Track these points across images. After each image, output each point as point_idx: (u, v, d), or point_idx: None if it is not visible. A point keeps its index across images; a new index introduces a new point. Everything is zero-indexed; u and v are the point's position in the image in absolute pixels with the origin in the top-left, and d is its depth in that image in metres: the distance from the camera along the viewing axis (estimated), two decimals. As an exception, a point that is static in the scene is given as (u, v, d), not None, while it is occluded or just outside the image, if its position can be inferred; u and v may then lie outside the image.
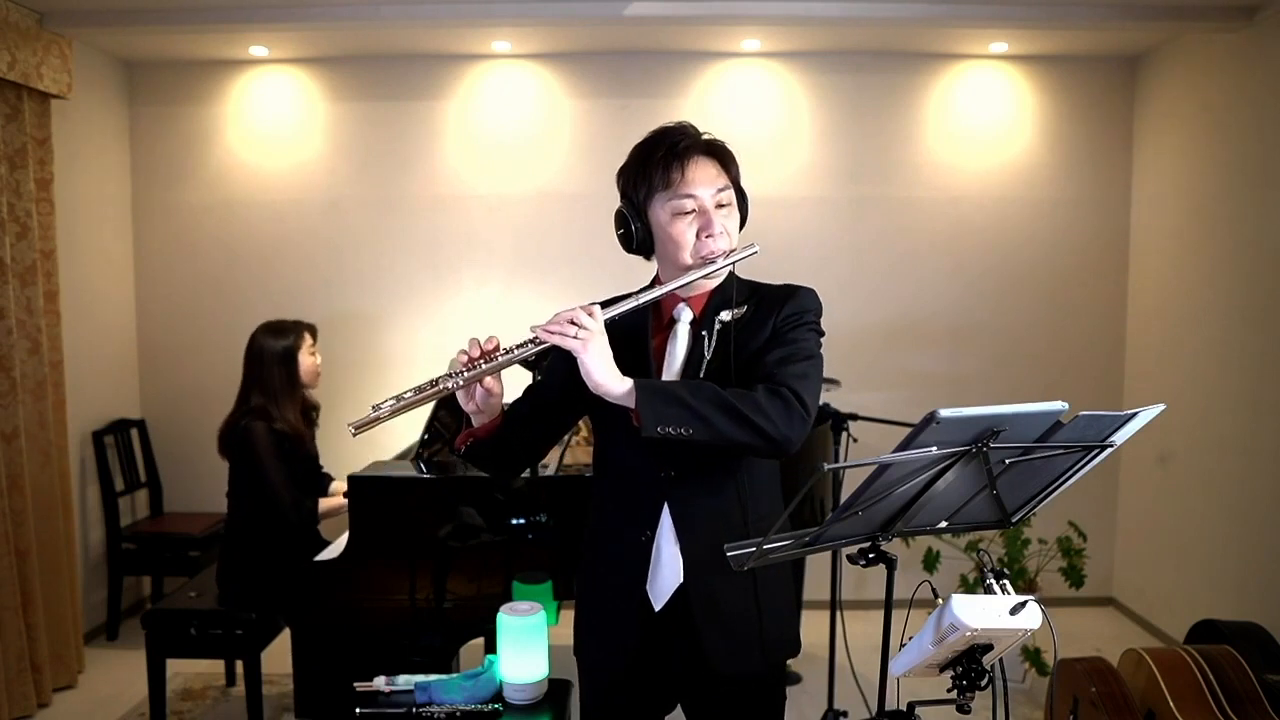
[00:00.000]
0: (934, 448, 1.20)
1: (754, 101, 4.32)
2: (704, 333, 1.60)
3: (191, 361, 4.39)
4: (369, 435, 4.58)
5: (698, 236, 1.58)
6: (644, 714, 1.69)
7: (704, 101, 4.31)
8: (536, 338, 1.50)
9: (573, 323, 1.46)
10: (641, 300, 1.58)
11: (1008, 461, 1.28)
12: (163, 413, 4.40)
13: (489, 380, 1.57)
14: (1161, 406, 1.32)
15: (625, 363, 1.50)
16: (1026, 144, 4.35)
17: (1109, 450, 1.32)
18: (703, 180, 1.57)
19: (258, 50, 4.17)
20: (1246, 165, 3.55)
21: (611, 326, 1.54)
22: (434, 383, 1.52)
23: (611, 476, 1.68)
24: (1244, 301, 3.55)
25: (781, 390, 1.48)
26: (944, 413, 1.16)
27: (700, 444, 1.44)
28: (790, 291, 1.63)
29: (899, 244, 4.36)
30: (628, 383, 1.44)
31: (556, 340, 1.46)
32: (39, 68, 3.42)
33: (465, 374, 1.51)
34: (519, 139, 4.34)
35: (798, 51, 4.29)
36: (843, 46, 4.24)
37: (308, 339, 3.09)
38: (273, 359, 2.99)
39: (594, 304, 1.54)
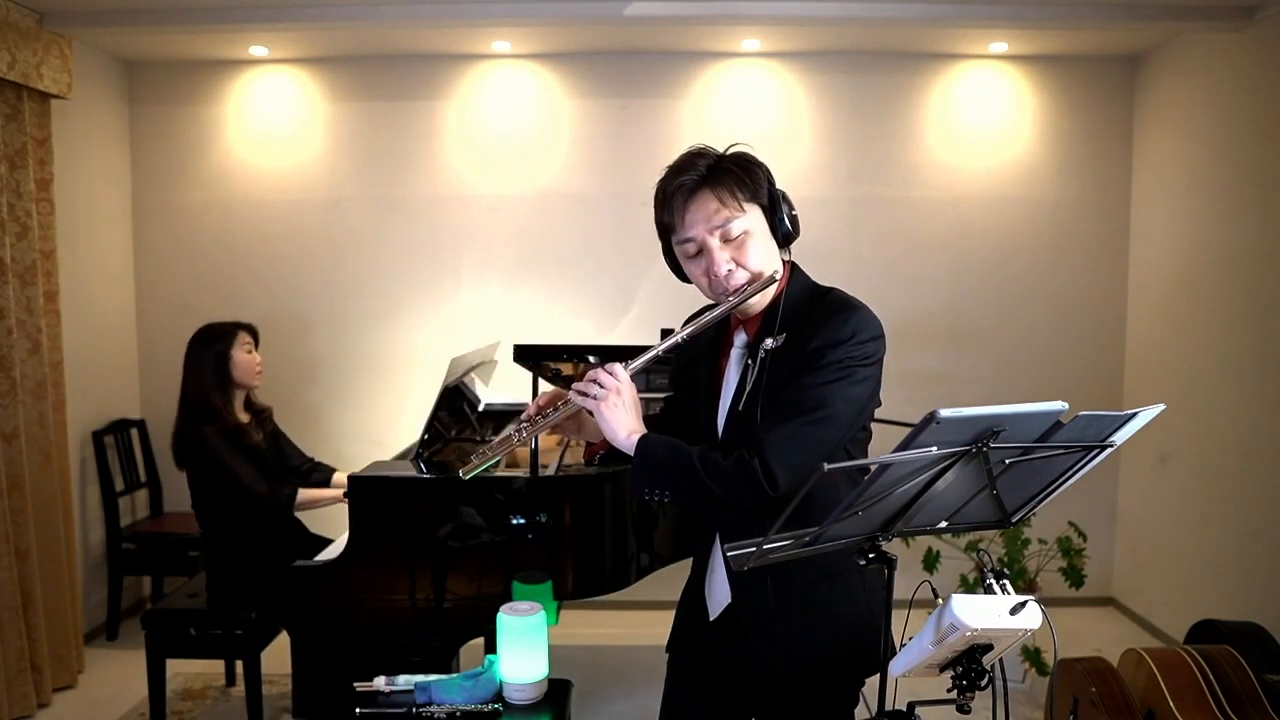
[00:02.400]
0: (934, 448, 1.20)
1: (754, 101, 4.32)
2: (749, 361, 1.60)
3: (191, 361, 4.39)
4: (372, 435, 4.56)
5: (707, 275, 1.57)
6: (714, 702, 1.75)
7: (704, 101, 4.31)
8: (569, 396, 1.62)
9: (594, 380, 1.55)
10: (660, 349, 1.59)
11: (1008, 461, 1.28)
12: (163, 413, 4.37)
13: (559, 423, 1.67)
14: (1161, 406, 1.32)
15: (699, 383, 1.67)
16: (1026, 144, 4.35)
17: (1109, 450, 1.32)
18: (697, 219, 1.54)
19: (258, 50, 4.18)
20: (1246, 165, 3.55)
21: (691, 344, 1.64)
22: (508, 437, 1.64)
23: None
24: (1244, 301, 3.55)
25: (752, 463, 1.45)
26: (944, 413, 1.16)
27: (679, 504, 1.57)
28: (825, 317, 1.53)
29: (899, 244, 4.36)
30: (633, 442, 1.53)
31: (578, 400, 1.56)
32: (39, 68, 3.42)
33: (526, 429, 1.64)
34: (519, 139, 4.34)
35: (798, 51, 4.29)
36: (843, 46, 4.24)
37: (243, 337, 3.09)
38: (204, 361, 3.02)
39: (617, 364, 1.59)
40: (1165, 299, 4.10)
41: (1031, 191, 4.36)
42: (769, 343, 1.56)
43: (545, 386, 3.56)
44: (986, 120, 4.34)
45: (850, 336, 1.51)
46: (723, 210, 1.53)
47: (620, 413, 1.54)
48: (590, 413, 1.58)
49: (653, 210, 1.63)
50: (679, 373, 1.81)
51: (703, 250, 1.55)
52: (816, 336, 1.51)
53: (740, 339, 1.64)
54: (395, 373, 4.39)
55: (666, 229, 1.60)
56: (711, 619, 1.69)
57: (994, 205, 4.37)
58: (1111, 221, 4.38)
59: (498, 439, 1.65)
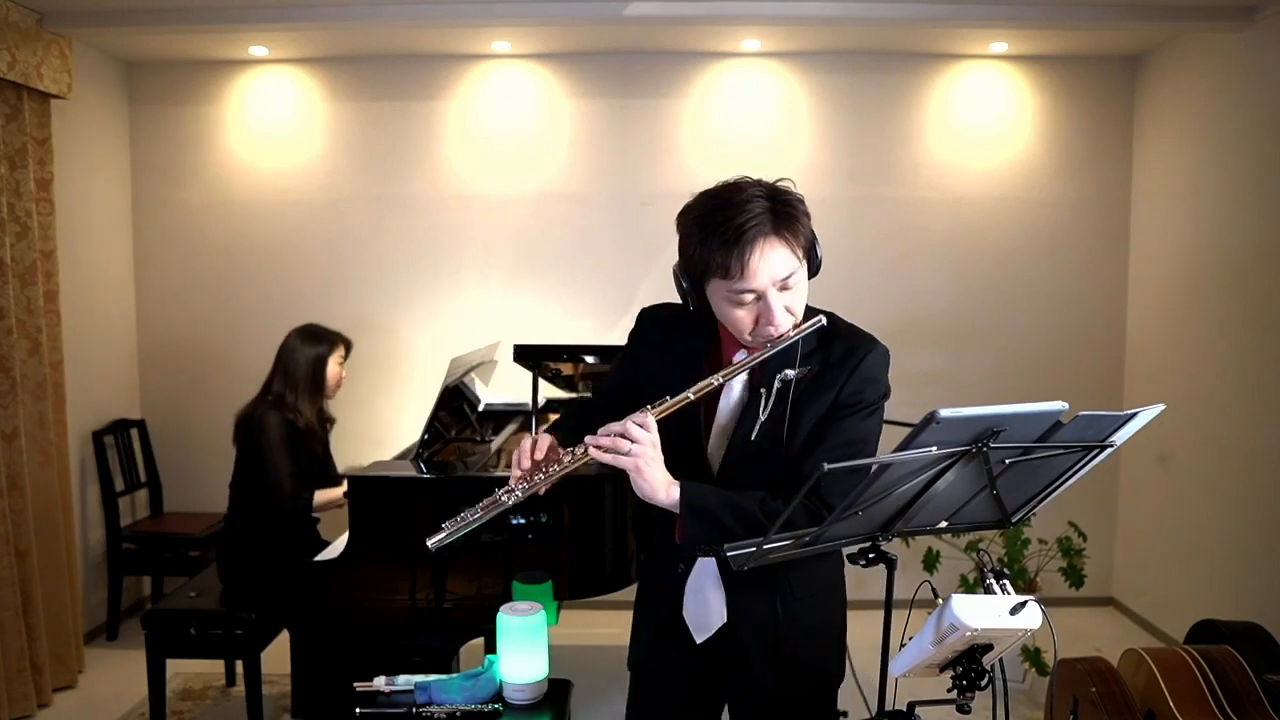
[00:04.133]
0: (934, 448, 1.20)
1: (754, 101, 4.31)
2: (761, 390, 1.52)
3: (191, 362, 4.39)
4: (372, 435, 4.54)
5: (756, 322, 1.47)
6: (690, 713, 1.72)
7: (704, 101, 4.31)
8: (589, 448, 1.46)
9: (625, 436, 1.43)
10: (693, 394, 1.46)
11: (1008, 461, 1.28)
12: (163, 413, 4.40)
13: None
14: (1161, 406, 1.32)
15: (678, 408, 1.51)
16: (1026, 144, 4.35)
17: (1109, 450, 1.32)
18: (767, 272, 1.42)
19: (258, 50, 4.17)
20: (1246, 165, 3.55)
21: (662, 360, 1.56)
22: (495, 501, 1.49)
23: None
24: (1244, 301, 3.55)
25: (821, 514, 1.42)
26: (944, 413, 1.16)
27: None
28: (857, 358, 1.52)
29: (899, 244, 4.36)
30: (674, 494, 1.45)
31: (609, 460, 1.43)
32: (39, 68, 3.42)
33: (525, 487, 1.49)
34: (519, 139, 4.34)
35: (798, 51, 4.29)
36: (843, 46, 4.24)
37: (340, 350, 3.22)
38: (304, 358, 3.11)
39: (647, 415, 1.45)
40: (1165, 299, 4.09)
41: (1031, 191, 4.36)
42: (789, 373, 1.51)
43: (546, 387, 3.56)
44: (986, 120, 4.34)
45: (882, 378, 1.54)
46: (790, 259, 1.45)
47: (658, 469, 1.45)
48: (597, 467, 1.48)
49: (679, 228, 1.50)
50: (643, 385, 1.63)
51: (761, 299, 1.45)
52: (853, 376, 1.51)
53: None
54: (395, 373, 4.39)
55: (718, 271, 1.43)
56: (699, 641, 1.62)
57: (994, 205, 4.36)
58: (1111, 221, 4.38)
59: (482, 504, 1.49)
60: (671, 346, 1.61)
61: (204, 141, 4.36)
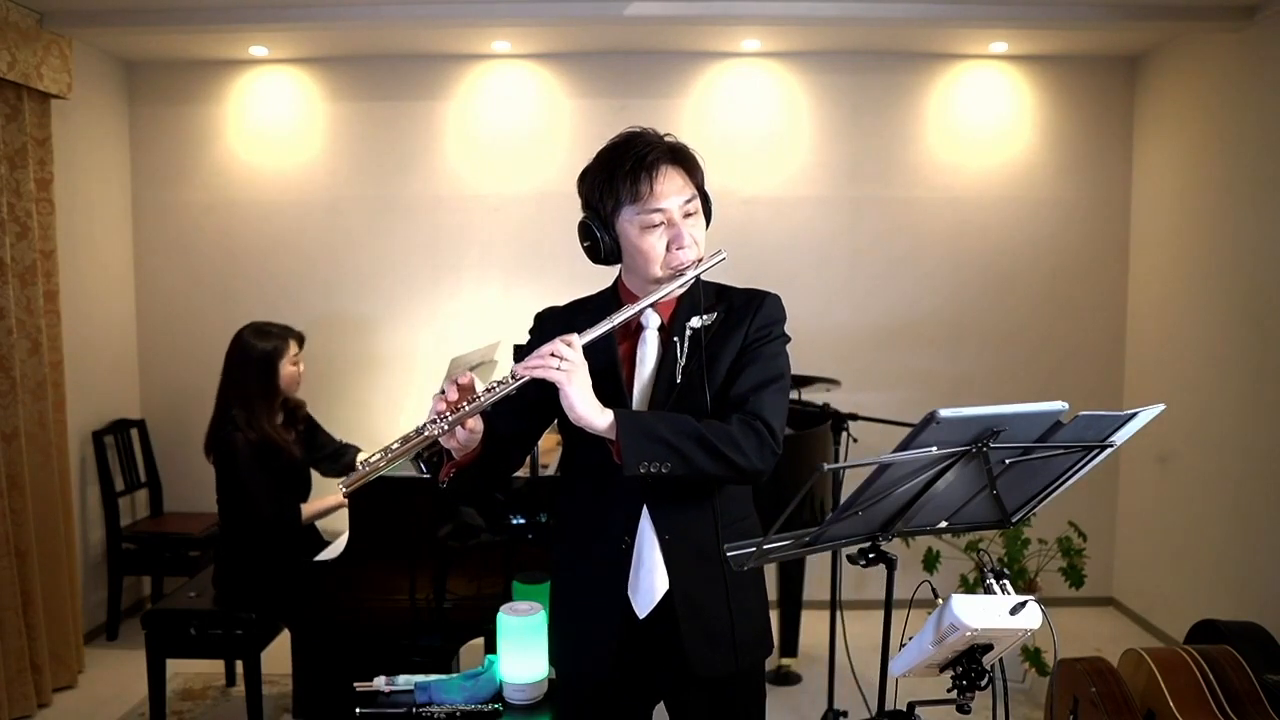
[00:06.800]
0: (934, 448, 1.21)
1: (754, 101, 4.32)
2: (675, 339, 1.61)
3: (191, 362, 4.39)
4: (371, 435, 4.52)
5: (668, 249, 1.57)
6: (625, 716, 1.70)
7: (704, 101, 4.31)
8: (515, 374, 1.48)
9: (554, 354, 1.46)
10: (617, 321, 1.54)
11: (1008, 461, 1.28)
12: (163, 413, 4.40)
13: (470, 420, 1.52)
14: (1161, 406, 1.32)
15: (594, 369, 1.51)
16: (1026, 144, 4.35)
17: (1109, 450, 1.32)
18: (671, 192, 1.56)
19: (258, 50, 4.17)
20: (1246, 165, 3.55)
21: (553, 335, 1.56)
22: (419, 431, 1.49)
23: (583, 480, 1.67)
24: (1244, 301, 3.55)
25: (755, 423, 1.52)
26: (944, 413, 1.16)
27: (676, 478, 1.49)
28: (758, 300, 1.64)
29: (899, 244, 4.36)
30: (609, 416, 1.47)
31: (539, 373, 1.46)
32: (39, 68, 3.42)
33: (449, 418, 1.48)
34: (519, 139, 4.34)
35: (798, 51, 4.29)
36: (843, 46, 4.24)
37: (292, 347, 3.02)
38: (251, 365, 2.94)
39: (571, 334, 1.50)
40: (1165, 299, 4.10)
41: (1031, 191, 4.36)
42: (696, 321, 1.61)
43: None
44: (986, 120, 4.34)
45: (783, 318, 1.65)
46: (688, 187, 1.59)
47: (586, 386, 1.48)
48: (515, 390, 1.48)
49: (582, 189, 1.61)
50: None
51: (668, 223, 1.56)
52: (758, 315, 1.62)
53: (653, 321, 1.63)
54: (395, 373, 4.39)
55: (625, 200, 1.55)
56: (642, 616, 1.61)
57: (994, 205, 4.37)
58: (1111, 221, 4.38)
59: (402, 437, 1.49)
60: (579, 329, 1.61)
61: (204, 142, 4.36)
